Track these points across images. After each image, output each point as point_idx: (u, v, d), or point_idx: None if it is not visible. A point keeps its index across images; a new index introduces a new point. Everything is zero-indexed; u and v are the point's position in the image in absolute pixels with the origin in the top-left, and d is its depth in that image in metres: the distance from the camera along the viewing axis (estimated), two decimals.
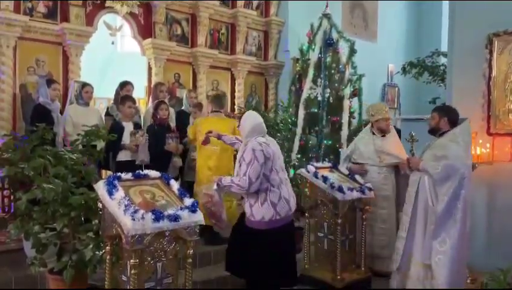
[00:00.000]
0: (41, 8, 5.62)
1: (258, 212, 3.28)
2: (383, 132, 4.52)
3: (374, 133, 4.56)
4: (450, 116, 3.60)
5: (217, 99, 4.68)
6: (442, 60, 8.20)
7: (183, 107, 5.71)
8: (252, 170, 3.20)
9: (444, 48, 8.29)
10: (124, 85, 5.46)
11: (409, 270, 3.62)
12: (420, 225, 3.55)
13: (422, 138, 3.80)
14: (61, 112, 5.12)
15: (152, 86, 6.14)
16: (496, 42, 4.53)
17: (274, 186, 3.28)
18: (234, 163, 3.93)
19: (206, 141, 4.11)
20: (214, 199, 3.41)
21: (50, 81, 4.95)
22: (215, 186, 3.38)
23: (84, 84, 5.13)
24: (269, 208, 3.25)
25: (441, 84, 7.97)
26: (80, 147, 4.00)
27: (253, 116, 3.51)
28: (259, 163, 3.21)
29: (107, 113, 5.44)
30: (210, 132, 4.03)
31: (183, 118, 5.46)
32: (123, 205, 2.56)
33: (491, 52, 4.57)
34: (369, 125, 4.70)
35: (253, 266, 3.30)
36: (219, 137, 3.96)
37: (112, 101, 5.75)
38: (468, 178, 3.43)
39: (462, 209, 3.38)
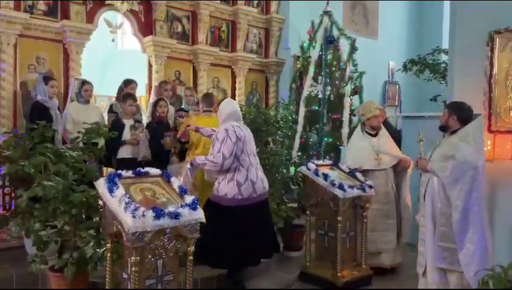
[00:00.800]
0: (42, 5, 5.61)
1: (223, 188, 3.54)
2: (376, 130, 4.54)
3: (367, 132, 4.57)
4: (459, 114, 3.43)
5: (208, 98, 4.69)
6: (443, 57, 8.17)
7: (182, 105, 5.71)
8: (225, 147, 3.48)
9: (445, 45, 8.25)
10: (129, 83, 5.46)
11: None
12: (429, 227, 3.41)
13: (424, 136, 3.78)
14: (60, 109, 5.12)
15: (156, 84, 6.12)
16: (497, 39, 4.51)
17: (243, 167, 3.56)
18: None
19: (184, 135, 4.21)
20: (184, 178, 3.54)
21: (47, 78, 4.92)
22: (188, 166, 3.59)
23: (84, 82, 5.13)
24: (234, 187, 3.51)
25: (442, 82, 7.94)
26: (81, 144, 4.01)
27: (230, 104, 3.86)
28: (232, 141, 3.50)
29: (111, 110, 5.44)
30: (188, 125, 4.16)
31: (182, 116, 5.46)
32: (124, 203, 2.57)
33: (492, 50, 4.55)
34: (359, 127, 4.68)
35: (213, 242, 3.38)
36: (197, 130, 4.10)
37: (115, 98, 5.74)
38: (480, 180, 3.28)
39: (480, 211, 3.25)
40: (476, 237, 3.21)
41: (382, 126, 4.63)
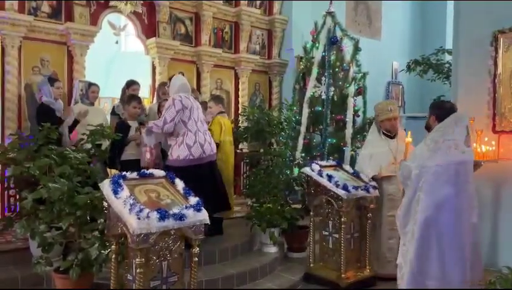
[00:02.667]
0: (46, 7, 5.63)
1: (175, 152, 4.01)
2: (390, 132, 4.38)
3: (384, 134, 4.39)
4: (437, 113, 3.34)
5: (221, 100, 5.26)
6: (447, 57, 8.15)
7: None
8: (168, 113, 3.97)
9: (448, 45, 8.23)
10: (131, 84, 5.47)
11: None
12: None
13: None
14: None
15: (156, 85, 6.15)
16: (502, 39, 4.50)
17: (191, 132, 4.02)
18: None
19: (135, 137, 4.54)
20: (141, 141, 4.35)
21: (52, 80, 4.88)
22: (144, 131, 4.29)
23: (91, 84, 5.15)
24: (184, 149, 3.98)
25: (446, 82, 7.92)
26: (89, 145, 4.04)
27: (180, 79, 4.38)
28: (175, 109, 3.97)
29: (113, 112, 5.46)
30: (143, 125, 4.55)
31: None
32: (128, 204, 2.57)
33: (496, 50, 4.53)
34: (374, 127, 4.50)
35: None
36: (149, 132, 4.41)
37: (118, 100, 5.76)
38: (430, 180, 3.11)
39: (421, 212, 3.10)
40: (410, 237, 3.19)
41: (400, 128, 4.47)
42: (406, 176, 3.25)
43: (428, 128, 3.43)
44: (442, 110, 3.34)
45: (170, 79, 4.43)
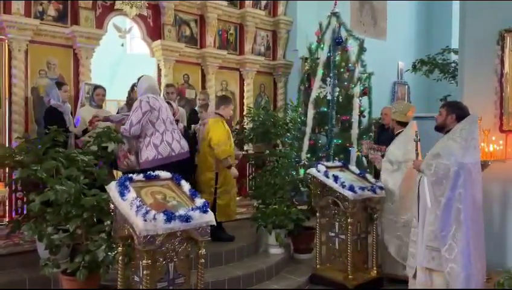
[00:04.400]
0: (52, 11, 5.67)
1: (144, 153, 3.96)
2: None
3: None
4: (458, 113, 3.37)
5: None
6: (453, 56, 8.11)
7: (195, 107, 5.77)
8: (134, 115, 3.93)
9: (454, 44, 8.18)
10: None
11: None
12: (420, 226, 3.35)
13: (433, 136, 3.74)
14: (72, 114, 5.17)
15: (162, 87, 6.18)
16: (508, 38, 4.47)
17: (158, 131, 3.96)
18: None
19: (93, 125, 4.56)
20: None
21: (60, 84, 5.00)
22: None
23: (96, 87, 5.18)
24: (152, 149, 3.93)
25: (452, 82, 7.87)
26: (95, 148, 4.06)
27: (148, 79, 4.28)
28: (142, 111, 3.91)
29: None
30: (96, 116, 4.56)
31: (194, 118, 5.57)
32: (135, 206, 2.58)
33: (502, 49, 4.50)
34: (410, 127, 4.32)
35: None
36: (106, 119, 4.40)
37: (124, 103, 5.79)
38: (469, 179, 3.16)
39: (465, 210, 3.13)
40: (458, 234, 3.12)
41: (396, 128, 4.43)
42: (443, 174, 3.18)
43: (442, 127, 3.43)
44: (462, 110, 3.40)
45: (139, 79, 4.29)
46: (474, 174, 3.22)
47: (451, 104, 3.56)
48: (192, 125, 5.16)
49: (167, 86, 5.91)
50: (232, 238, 4.60)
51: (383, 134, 5.52)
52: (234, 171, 4.61)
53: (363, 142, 4.94)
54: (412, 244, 3.51)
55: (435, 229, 3.21)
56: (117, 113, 5.60)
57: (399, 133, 4.30)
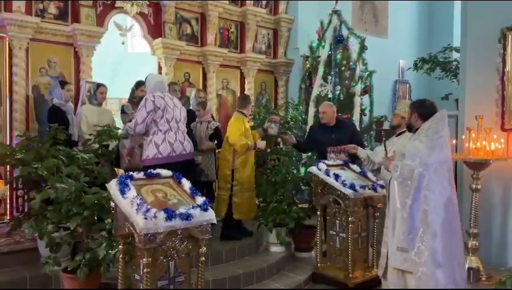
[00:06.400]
0: (53, 9, 5.67)
1: (145, 151, 4.00)
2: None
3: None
4: (420, 112, 3.27)
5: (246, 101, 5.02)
6: (455, 55, 8.08)
7: (190, 107, 5.72)
8: (139, 114, 3.97)
9: (455, 43, 8.17)
10: (139, 85, 5.49)
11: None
12: (391, 228, 3.28)
13: None
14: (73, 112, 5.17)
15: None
16: (510, 36, 4.46)
17: (161, 131, 3.97)
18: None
19: None
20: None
21: (63, 83, 5.02)
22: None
23: (99, 85, 5.18)
24: (153, 147, 3.95)
25: (454, 80, 7.85)
26: (96, 146, 4.06)
27: (155, 77, 4.34)
28: (146, 110, 3.93)
29: (122, 111, 5.48)
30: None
31: (190, 116, 5.50)
32: (135, 204, 2.58)
33: (504, 47, 4.50)
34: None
35: None
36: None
37: (126, 101, 5.77)
38: (433, 177, 3.04)
39: (432, 211, 3.02)
40: (427, 237, 3.03)
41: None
42: (408, 176, 3.11)
43: (411, 127, 3.37)
44: (424, 108, 3.28)
45: (146, 78, 4.32)
46: (442, 173, 3.09)
47: (414, 103, 3.47)
48: (192, 124, 5.15)
49: (171, 84, 5.90)
50: (240, 237, 4.66)
51: None
52: (261, 143, 4.82)
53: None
54: (383, 245, 3.49)
55: (404, 231, 3.13)
56: (121, 110, 5.60)
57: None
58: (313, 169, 4.26)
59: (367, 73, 6.45)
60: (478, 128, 4.30)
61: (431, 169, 3.06)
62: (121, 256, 2.85)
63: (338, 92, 6.25)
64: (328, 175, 4.10)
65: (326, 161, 4.34)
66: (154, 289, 2.67)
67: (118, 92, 7.52)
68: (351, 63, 6.40)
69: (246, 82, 7.62)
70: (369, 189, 4.05)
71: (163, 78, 4.34)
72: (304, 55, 7.52)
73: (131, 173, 2.93)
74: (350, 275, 3.98)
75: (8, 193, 5.04)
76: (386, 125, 8.03)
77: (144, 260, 2.57)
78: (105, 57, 7.62)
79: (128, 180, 2.78)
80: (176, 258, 2.76)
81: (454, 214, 3.12)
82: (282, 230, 4.60)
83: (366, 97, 6.45)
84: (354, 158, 4.56)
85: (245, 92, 7.59)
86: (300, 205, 4.92)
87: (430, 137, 3.12)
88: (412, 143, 3.22)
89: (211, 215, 2.76)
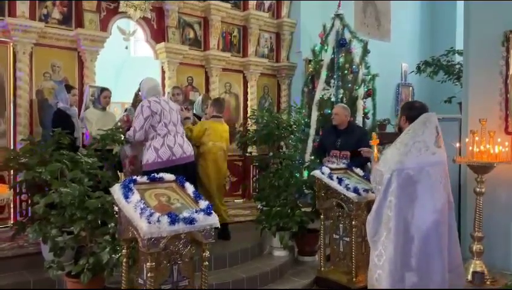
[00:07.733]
0: (56, 14, 5.70)
1: (145, 156, 3.97)
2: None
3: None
4: (407, 114, 3.22)
5: (219, 104, 4.94)
6: (458, 58, 8.07)
7: (194, 111, 5.73)
8: (137, 121, 3.96)
9: (458, 46, 8.15)
10: None
11: None
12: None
13: None
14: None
15: (169, 90, 6.16)
16: None
17: (160, 135, 3.95)
18: None
19: None
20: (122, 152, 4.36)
21: (69, 87, 5.06)
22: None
23: (103, 89, 5.21)
24: (152, 152, 3.91)
25: (457, 83, 7.83)
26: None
27: (150, 81, 4.25)
28: (144, 116, 3.92)
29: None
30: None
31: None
32: (139, 208, 2.58)
33: (508, 50, 4.49)
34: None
35: None
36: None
37: (129, 105, 5.79)
38: (402, 183, 2.97)
39: (396, 217, 2.96)
40: (387, 241, 3.00)
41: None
42: (378, 181, 3.09)
43: (400, 130, 3.29)
44: (412, 110, 3.20)
45: (141, 83, 4.31)
46: (416, 178, 2.99)
47: (403, 105, 3.42)
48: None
49: (173, 88, 5.92)
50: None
51: None
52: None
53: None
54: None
55: (369, 233, 3.15)
56: (123, 114, 5.62)
57: None
58: (316, 173, 4.25)
59: (370, 76, 6.45)
60: (482, 132, 4.29)
61: (401, 175, 2.98)
62: (124, 260, 2.85)
63: (341, 95, 6.25)
64: (332, 179, 4.09)
65: (329, 165, 4.34)
66: None
67: (121, 96, 7.55)
68: (353, 67, 6.40)
69: (248, 86, 7.63)
70: (372, 193, 4.03)
71: (157, 82, 4.32)
72: (307, 58, 7.53)
73: (134, 177, 2.93)
74: (354, 279, 3.96)
75: (12, 197, 5.04)
76: (389, 129, 8.03)
77: (148, 264, 2.57)
78: (109, 62, 7.66)
79: (132, 185, 2.79)
80: (180, 263, 2.76)
81: (434, 219, 2.97)
82: (286, 234, 4.59)
83: (369, 100, 6.44)
84: (366, 161, 4.52)
85: (248, 96, 7.61)
86: (303, 209, 4.91)
87: (405, 143, 3.04)
88: (389, 148, 3.16)
89: (214, 220, 2.76)
